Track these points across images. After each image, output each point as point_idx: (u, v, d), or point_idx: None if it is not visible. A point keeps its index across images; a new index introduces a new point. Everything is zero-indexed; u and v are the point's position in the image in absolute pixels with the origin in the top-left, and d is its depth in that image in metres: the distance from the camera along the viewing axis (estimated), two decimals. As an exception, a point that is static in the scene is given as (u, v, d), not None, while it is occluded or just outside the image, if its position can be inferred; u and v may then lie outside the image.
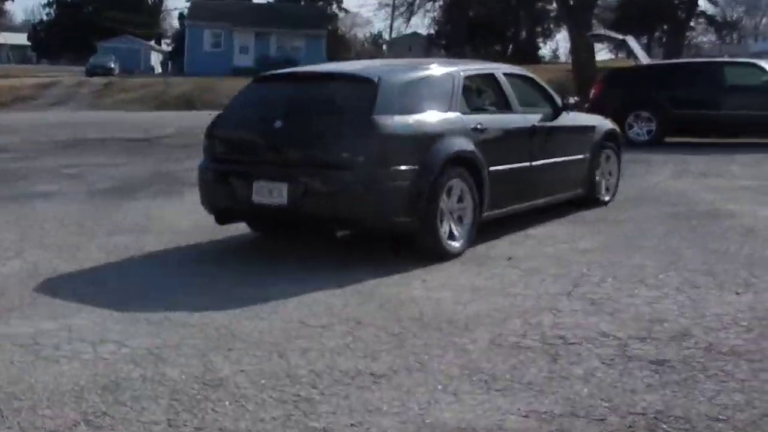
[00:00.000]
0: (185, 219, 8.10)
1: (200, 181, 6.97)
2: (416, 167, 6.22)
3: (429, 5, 64.09)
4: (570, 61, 41.17)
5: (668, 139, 15.83)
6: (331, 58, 64.34)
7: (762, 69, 15.73)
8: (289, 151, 6.52)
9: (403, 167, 6.20)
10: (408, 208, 6.23)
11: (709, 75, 15.92)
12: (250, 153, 6.77)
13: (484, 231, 7.07)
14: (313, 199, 6.24)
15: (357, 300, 5.23)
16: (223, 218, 7.02)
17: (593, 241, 6.97)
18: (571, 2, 30.56)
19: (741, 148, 14.55)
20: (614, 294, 5.28)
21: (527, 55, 70.88)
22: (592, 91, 17.28)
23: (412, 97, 6.62)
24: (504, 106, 7.63)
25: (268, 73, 7.76)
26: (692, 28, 63.32)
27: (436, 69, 7.20)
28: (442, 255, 6.34)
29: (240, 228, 7.32)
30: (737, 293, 5.25)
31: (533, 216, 8.08)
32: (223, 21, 58.59)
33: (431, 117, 6.59)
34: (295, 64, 54.97)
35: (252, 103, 7.09)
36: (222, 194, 6.76)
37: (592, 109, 16.88)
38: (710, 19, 65.74)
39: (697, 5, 55.23)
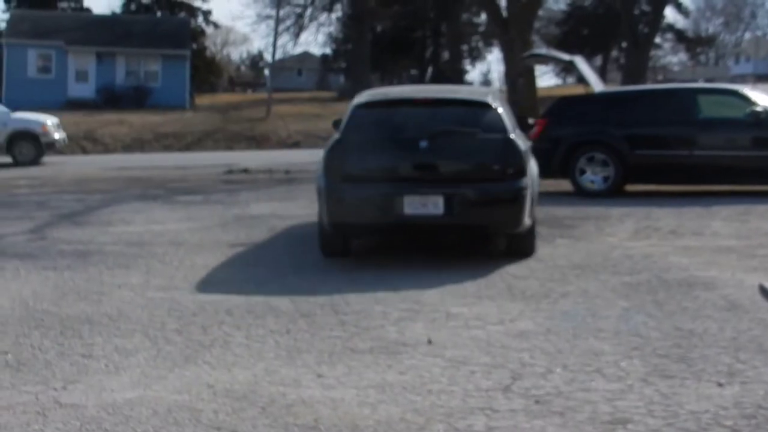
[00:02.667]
0: (2, 300, 7.99)
1: (332, 200, 9.70)
2: (529, 178, 9.85)
3: (323, 18, 64.77)
4: (505, 87, 41.95)
5: (629, 188, 16.18)
6: (198, 84, 64.29)
7: (744, 98, 16.03)
8: (440, 167, 9.85)
9: (529, 178, 9.81)
10: (531, 212, 9.85)
11: (679, 105, 16.13)
12: (397, 171, 9.80)
13: (392, 306, 7.14)
14: (468, 208, 9.60)
15: (232, 405, 5.22)
16: (353, 234, 10.30)
17: (534, 322, 7.10)
18: (505, 14, 31.27)
19: (720, 198, 14.88)
20: (564, 388, 5.38)
21: (451, 80, 71.90)
22: (533, 126, 17.45)
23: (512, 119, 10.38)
24: None
25: (375, 98, 10.82)
26: (658, 46, 65.18)
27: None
28: (531, 253, 10.14)
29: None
30: (719, 384, 5.41)
31: (455, 288, 8.21)
32: (54, 38, 57.87)
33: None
34: (149, 94, 55.02)
35: (376, 126, 10.23)
36: (365, 210, 9.67)
37: (534, 150, 17.28)
38: (680, 35, 67.42)
39: (663, 17, 56.68)
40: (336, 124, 11.21)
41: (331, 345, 6.46)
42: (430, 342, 6.47)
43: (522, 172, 9.73)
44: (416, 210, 9.52)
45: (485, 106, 10.18)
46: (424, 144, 9.70)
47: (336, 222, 9.75)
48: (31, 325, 7.17)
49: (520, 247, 10.17)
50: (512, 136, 9.87)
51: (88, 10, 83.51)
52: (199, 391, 5.50)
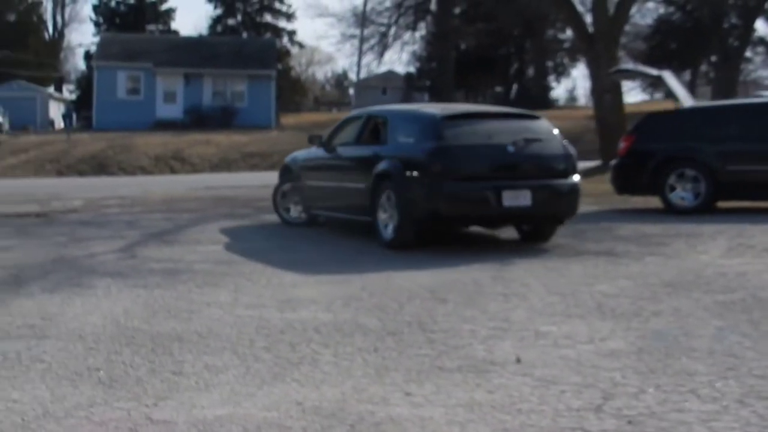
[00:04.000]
0: (95, 318, 8.11)
1: (438, 196, 12.04)
2: None
3: (407, 36, 65.02)
4: (591, 104, 41.65)
5: (721, 204, 15.95)
6: (283, 104, 64.89)
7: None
8: (525, 167, 12.65)
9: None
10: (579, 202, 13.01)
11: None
12: (494, 170, 12.44)
13: (480, 325, 7.10)
14: (547, 200, 12.43)
15: (321, 423, 5.23)
16: (458, 224, 13.60)
17: (625, 340, 7.01)
18: (591, 29, 31.06)
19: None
20: (657, 409, 5.30)
21: (535, 97, 71.75)
22: (621, 143, 17.33)
23: None
24: None
25: (457, 112, 13.43)
26: (749, 60, 64.15)
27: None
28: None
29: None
30: (816, 404, 5.29)
31: (543, 307, 8.15)
32: (142, 60, 58.87)
33: None
34: (235, 114, 55.66)
35: (466, 134, 12.62)
36: (472, 203, 12.30)
37: (621, 168, 17.15)
38: (772, 48, 66.22)
39: (754, 30, 55.72)
40: (312, 140, 15.96)
41: (419, 363, 6.44)
42: (519, 361, 6.42)
43: (576, 171, 12.90)
44: (512, 202, 12.14)
45: (538, 119, 13.43)
46: (511, 149, 12.42)
47: (445, 214, 12.32)
48: (122, 342, 7.26)
49: (549, 233, 13.28)
50: (566, 142, 13.01)
51: (175, 33, 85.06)
52: (288, 409, 5.51)
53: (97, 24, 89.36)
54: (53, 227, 16.05)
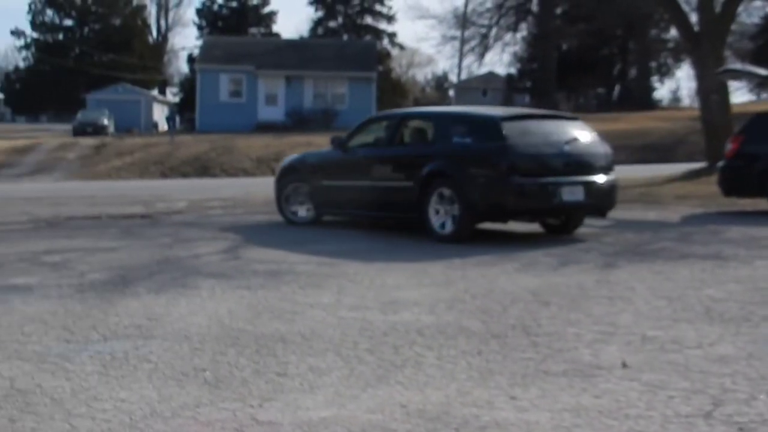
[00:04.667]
0: (200, 318, 8.20)
1: (514, 191, 13.01)
2: None
3: (508, 37, 64.74)
4: (696, 105, 40.99)
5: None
6: (383, 106, 65.06)
7: None
8: (578, 164, 13.59)
9: None
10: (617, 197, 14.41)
11: None
12: (553, 167, 13.41)
13: (585, 329, 7.02)
14: (595, 194, 13.65)
15: (425, 426, 5.22)
16: (521, 218, 14.14)
17: (734, 346, 6.89)
18: (696, 28, 30.56)
19: None
20: (770, 415, 5.20)
21: (638, 98, 70.86)
22: (728, 145, 17.05)
23: None
24: None
25: (511, 114, 14.72)
26: None
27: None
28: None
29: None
30: None
31: (649, 310, 8.04)
32: (245, 63, 59.49)
33: None
34: (336, 116, 55.93)
35: (525, 135, 13.56)
36: (536, 198, 13.30)
37: (729, 169, 16.85)
38: None
39: None
40: (335, 141, 16.26)
41: (523, 367, 6.39)
42: (625, 365, 6.34)
43: (613, 168, 14.19)
44: (569, 197, 13.34)
45: (577, 120, 15.02)
46: (567, 147, 13.60)
47: (511, 209, 13.37)
48: (227, 343, 7.34)
49: (574, 227, 14.49)
50: (603, 141, 14.34)
51: (277, 35, 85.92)
52: (392, 411, 5.51)
53: (200, 27, 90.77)
54: (158, 228, 16.28)
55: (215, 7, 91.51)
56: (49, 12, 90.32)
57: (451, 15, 56.19)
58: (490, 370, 6.35)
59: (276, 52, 62.56)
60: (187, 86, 79.23)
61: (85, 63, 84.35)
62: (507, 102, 78.98)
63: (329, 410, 5.57)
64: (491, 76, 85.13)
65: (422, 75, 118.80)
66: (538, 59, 68.36)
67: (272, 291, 9.59)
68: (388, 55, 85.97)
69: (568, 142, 13.62)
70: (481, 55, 62.27)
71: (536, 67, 70.57)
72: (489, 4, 58.01)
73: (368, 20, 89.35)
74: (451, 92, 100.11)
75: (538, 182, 13.21)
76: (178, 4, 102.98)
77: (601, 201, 13.95)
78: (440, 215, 13.64)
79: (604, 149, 14.10)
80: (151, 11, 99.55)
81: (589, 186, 13.55)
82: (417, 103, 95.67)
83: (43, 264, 12.03)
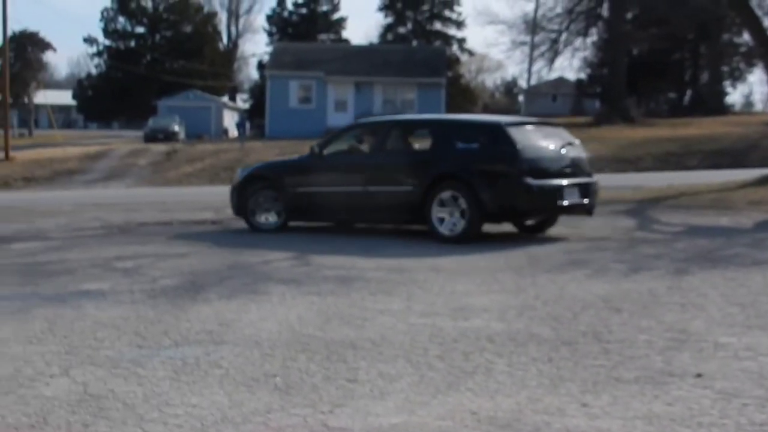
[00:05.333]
0: (270, 324, 8.26)
1: (524, 193, 13.84)
2: None
3: (578, 42, 64.30)
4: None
5: None
6: (453, 112, 64.95)
7: None
8: (572, 168, 14.68)
9: None
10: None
11: None
12: (556, 170, 14.39)
13: (657, 335, 6.96)
14: (587, 195, 14.67)
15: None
16: (529, 217, 15.20)
17: (812, 353, 6.76)
18: (770, 33, 30.12)
19: None
20: None
21: (710, 103, 70.04)
22: None
23: None
24: None
25: (518, 120, 17.14)
26: None
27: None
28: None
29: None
30: None
31: (722, 317, 7.95)
32: (314, 69, 59.75)
33: None
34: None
35: (531, 139, 14.49)
36: (545, 199, 14.18)
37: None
38: None
39: None
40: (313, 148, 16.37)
41: (594, 374, 6.35)
42: (699, 375, 6.27)
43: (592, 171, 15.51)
44: (569, 198, 14.35)
45: (560, 126, 16.25)
46: (563, 151, 14.63)
47: (521, 209, 14.47)
48: (297, 349, 7.38)
49: (548, 226, 15.52)
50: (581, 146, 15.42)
51: (346, 41, 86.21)
52: (462, 418, 5.51)
53: (270, 34, 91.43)
54: (228, 234, 16.43)
55: (285, 13, 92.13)
56: (121, 19, 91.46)
57: (520, 20, 55.96)
58: (561, 377, 6.32)
59: (345, 58, 62.77)
60: (257, 92, 79.82)
61: (156, 70, 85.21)
62: (577, 107, 78.54)
63: (399, 417, 5.58)
64: (561, 81, 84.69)
65: (491, 80, 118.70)
66: (608, 64, 67.75)
67: (342, 297, 9.63)
68: (457, 60, 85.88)
69: (563, 147, 14.71)
70: (551, 61, 61.85)
71: (606, 72, 69.94)
72: (559, 9, 57.71)
73: (438, 26, 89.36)
74: (521, 98, 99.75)
75: (546, 184, 14.10)
76: (249, 11, 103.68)
77: (591, 201, 14.95)
78: (446, 218, 14.33)
79: (586, 154, 15.41)
80: (222, 18, 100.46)
81: (583, 187, 14.70)
82: (486, 108, 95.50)
83: (115, 270, 12.19)
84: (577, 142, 15.12)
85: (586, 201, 14.78)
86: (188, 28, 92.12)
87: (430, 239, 14.38)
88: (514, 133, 14.33)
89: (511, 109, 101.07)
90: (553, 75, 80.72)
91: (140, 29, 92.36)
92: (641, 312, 8.49)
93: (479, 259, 12.39)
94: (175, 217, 19.82)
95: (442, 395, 6.00)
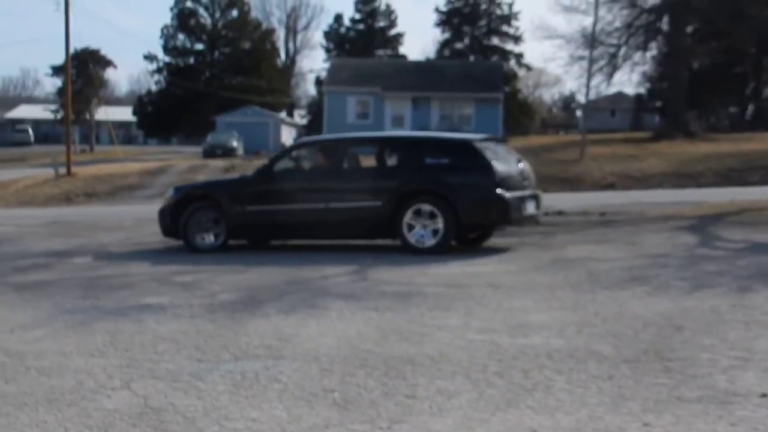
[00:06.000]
0: (329, 339, 8.27)
1: (498, 205, 14.73)
2: None
3: (637, 56, 63.77)
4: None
5: None
6: (510, 127, 64.85)
7: None
8: (528, 181, 15.78)
9: None
10: None
11: None
12: (517, 183, 15.26)
13: (720, 354, 6.87)
14: (538, 206, 15.87)
15: (557, 450, 5.16)
16: (497, 228, 16.20)
17: None
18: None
19: None
20: None
21: (773, 117, 69.19)
22: None
23: None
24: None
25: (486, 136, 17.81)
26: None
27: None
28: None
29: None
30: None
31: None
32: (372, 85, 59.86)
33: None
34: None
35: (495, 154, 15.34)
36: (515, 211, 14.94)
37: None
38: None
39: None
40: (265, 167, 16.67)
41: (656, 392, 6.28)
42: (764, 395, 6.18)
43: None
44: (529, 209, 15.50)
45: (507, 141, 18.58)
46: (520, 165, 15.79)
47: (494, 220, 15.41)
48: (356, 364, 7.38)
49: (488, 237, 16.49)
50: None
51: (403, 57, 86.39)
52: (522, 436, 5.48)
53: (327, 50, 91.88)
54: (287, 249, 16.48)
55: (343, 29, 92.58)
56: (181, 36, 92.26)
57: (579, 35, 55.42)
58: (621, 395, 6.25)
59: (402, 74, 62.87)
60: (315, 108, 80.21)
61: (215, 86, 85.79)
62: (636, 122, 77.95)
63: (459, 433, 5.56)
64: (620, 96, 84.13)
65: (549, 95, 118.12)
66: (668, 78, 67.10)
67: (400, 313, 9.62)
68: (514, 75, 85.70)
69: (519, 161, 15.90)
70: (610, 75, 61.25)
71: (666, 87, 69.27)
72: (618, 23, 57.18)
73: (495, 41, 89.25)
74: (578, 112, 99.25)
75: (515, 195, 15.01)
76: (307, 27, 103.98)
77: (539, 212, 16.22)
78: (417, 230, 14.92)
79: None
80: (280, 35, 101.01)
81: (536, 199, 15.89)
82: (544, 123, 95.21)
83: (174, 284, 12.29)
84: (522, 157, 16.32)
85: (538, 212, 16.00)
86: (247, 45, 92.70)
87: (481, 254, 14.33)
88: (483, 148, 15.31)
89: (568, 123, 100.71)
90: (612, 90, 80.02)
91: (199, 46, 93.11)
92: (704, 330, 8.39)
93: (537, 275, 12.32)
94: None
95: (502, 412, 5.97)
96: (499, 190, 14.74)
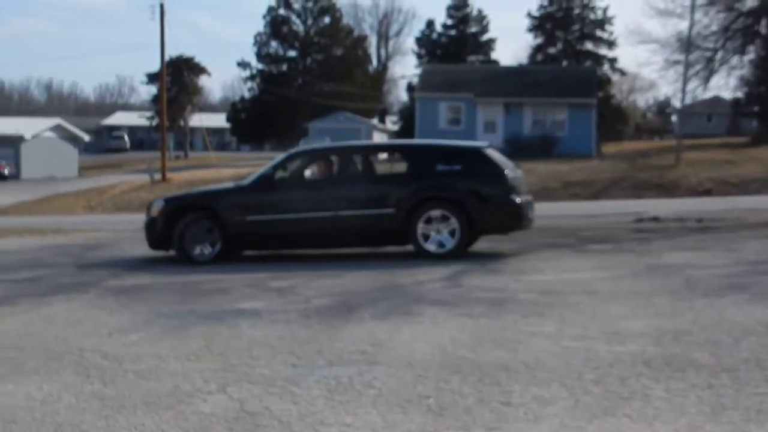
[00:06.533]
0: (423, 346, 8.27)
1: (512, 210, 15.40)
2: None
3: (735, 60, 62.74)
4: None
5: None
6: (604, 132, 64.22)
7: None
8: (523, 186, 16.14)
9: None
10: None
11: None
12: (521, 188, 15.83)
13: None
14: (532, 210, 16.14)
15: None
16: (507, 232, 16.41)
17: None
18: None
19: None
20: None
21: None
22: None
23: None
24: None
25: (488, 143, 17.91)
26: None
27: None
28: None
29: (494, 359, 7.33)
30: None
31: None
32: (463, 91, 59.69)
33: None
34: (555, 143, 55.55)
35: (501, 161, 15.77)
36: (524, 214, 15.58)
37: None
38: None
39: None
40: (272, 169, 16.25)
41: (758, 402, 6.16)
42: None
43: None
44: (531, 213, 16.01)
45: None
46: (518, 171, 16.24)
47: (506, 225, 15.85)
48: (450, 370, 7.37)
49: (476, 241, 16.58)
50: None
51: (495, 63, 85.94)
52: (620, 445, 5.42)
53: (419, 56, 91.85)
54: (378, 254, 16.49)
55: (434, 35, 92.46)
56: (274, 44, 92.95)
57: (674, 39, 54.59)
58: (722, 405, 6.15)
59: (494, 80, 62.58)
60: (407, 114, 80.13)
61: (307, 93, 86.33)
62: (733, 127, 76.69)
63: (555, 441, 5.52)
64: (716, 100, 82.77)
65: (643, 100, 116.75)
66: (766, 82, 65.97)
67: (494, 319, 9.58)
68: (608, 80, 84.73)
69: (517, 167, 16.49)
70: (706, 80, 60.26)
71: (764, 91, 68.11)
72: (714, 27, 56.28)
73: (588, 46, 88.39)
74: (674, 117, 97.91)
75: (523, 200, 15.61)
76: (398, 34, 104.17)
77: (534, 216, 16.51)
78: (431, 236, 15.18)
79: None
80: (372, 41, 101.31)
81: (532, 204, 16.34)
82: (638, 128, 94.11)
83: (269, 289, 12.40)
84: None
85: (533, 215, 16.29)
86: (339, 52, 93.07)
87: (576, 262, 14.21)
88: (494, 155, 15.93)
89: (663, 129, 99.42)
90: (709, 94, 78.80)
91: (292, 53, 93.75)
92: (805, 338, 8.22)
93: (634, 282, 12.18)
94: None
95: (598, 420, 5.91)
96: (512, 196, 15.33)
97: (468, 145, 17.85)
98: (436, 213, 15.10)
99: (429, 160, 15.93)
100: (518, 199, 15.40)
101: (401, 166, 16.42)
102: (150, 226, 16.29)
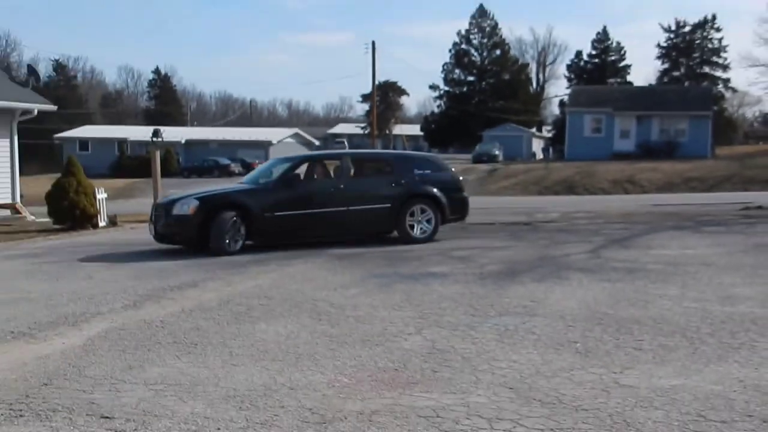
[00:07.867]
0: (571, 303, 8.16)
1: (467, 205, 16.03)
2: None
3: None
4: None
5: None
6: (717, 138, 61.73)
7: None
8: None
9: None
10: None
11: None
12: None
13: None
14: None
15: (761, 398, 4.88)
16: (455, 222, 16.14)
17: None
18: None
19: None
20: None
21: None
22: None
23: None
24: None
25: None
26: None
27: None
28: None
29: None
30: None
31: None
32: (604, 106, 58.40)
33: None
34: (677, 147, 53.71)
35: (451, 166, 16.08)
36: (468, 207, 16.09)
37: None
38: None
39: None
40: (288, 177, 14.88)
41: None
42: None
43: None
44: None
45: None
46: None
47: (463, 217, 16.02)
48: (593, 322, 7.24)
49: None
50: None
51: (630, 83, 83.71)
52: (731, 384, 5.22)
53: (569, 79, 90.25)
54: (537, 233, 16.33)
55: (581, 62, 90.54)
56: (457, 71, 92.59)
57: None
58: (815, 355, 5.85)
59: (629, 97, 60.90)
60: (559, 125, 78.67)
61: (481, 108, 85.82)
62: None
63: (678, 380, 5.37)
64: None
65: (751, 113, 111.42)
66: None
67: (628, 284, 9.35)
68: (722, 97, 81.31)
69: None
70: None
71: None
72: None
73: (706, 69, 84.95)
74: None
75: (468, 197, 16.31)
76: (553, 62, 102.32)
77: None
78: (415, 225, 15.17)
79: None
80: (533, 68, 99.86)
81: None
82: (746, 135, 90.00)
83: (452, 258, 12.41)
84: None
85: None
86: (506, 76, 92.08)
87: (695, 239, 13.70)
88: (445, 162, 16.76)
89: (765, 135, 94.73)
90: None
91: (471, 78, 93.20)
92: None
93: (744, 257, 11.68)
94: (497, 219, 19.93)
95: (713, 365, 5.71)
96: (465, 193, 16.08)
97: (427, 155, 18.63)
98: (417, 207, 15.20)
99: (409, 166, 15.67)
100: (467, 195, 16.17)
101: (391, 170, 15.55)
102: (183, 224, 14.08)
